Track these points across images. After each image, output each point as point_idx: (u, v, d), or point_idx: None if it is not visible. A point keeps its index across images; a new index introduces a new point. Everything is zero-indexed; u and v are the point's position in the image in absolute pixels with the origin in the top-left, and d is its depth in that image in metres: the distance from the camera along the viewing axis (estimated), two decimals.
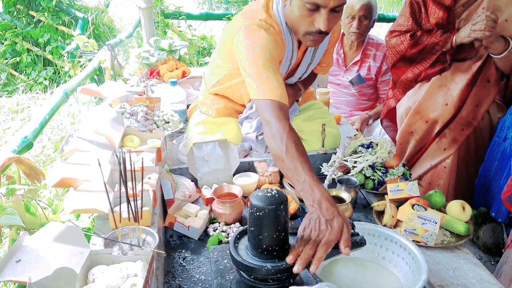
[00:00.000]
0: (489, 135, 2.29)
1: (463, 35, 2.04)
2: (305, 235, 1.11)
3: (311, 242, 1.09)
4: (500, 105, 2.22)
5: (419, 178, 2.38)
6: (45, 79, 5.67)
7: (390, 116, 2.60)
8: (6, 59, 5.86)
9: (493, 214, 2.34)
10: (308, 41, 1.62)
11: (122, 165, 1.09)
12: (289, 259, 1.07)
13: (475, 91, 2.16)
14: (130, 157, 1.21)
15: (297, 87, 1.98)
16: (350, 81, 2.93)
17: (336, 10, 1.52)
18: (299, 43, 1.78)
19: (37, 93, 5.38)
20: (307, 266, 1.07)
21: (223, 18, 5.11)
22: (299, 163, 1.29)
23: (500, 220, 2.32)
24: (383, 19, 5.29)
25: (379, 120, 3.01)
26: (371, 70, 2.92)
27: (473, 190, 2.42)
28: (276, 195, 1.10)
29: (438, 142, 2.29)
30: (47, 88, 5.46)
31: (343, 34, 2.94)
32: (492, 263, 2.38)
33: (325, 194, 1.19)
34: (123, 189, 1.10)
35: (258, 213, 1.08)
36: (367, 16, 2.78)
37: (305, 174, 1.25)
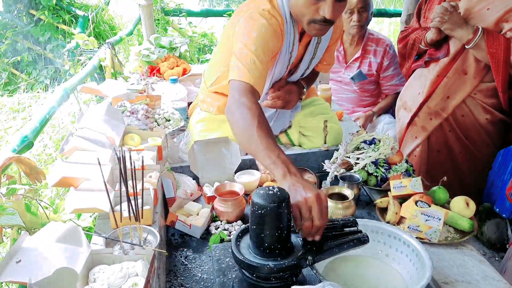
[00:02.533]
0: (481, 136, 2.25)
1: (430, 31, 2.11)
2: (300, 201, 1.11)
3: (315, 203, 1.09)
4: (485, 107, 2.17)
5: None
6: (46, 77, 5.67)
7: None
8: (7, 58, 5.86)
9: (497, 209, 2.33)
10: (313, 30, 1.61)
11: (122, 164, 1.08)
12: (309, 237, 1.11)
13: (446, 82, 2.16)
14: (131, 156, 1.20)
15: (300, 85, 1.97)
16: (352, 78, 2.91)
17: (341, 0, 1.52)
18: (301, 36, 1.77)
19: (38, 92, 5.37)
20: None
21: (224, 15, 5.08)
22: (272, 139, 1.31)
23: (504, 215, 2.31)
24: (385, 13, 5.24)
25: (382, 116, 3.00)
26: (372, 66, 2.90)
27: (467, 189, 2.38)
28: (278, 193, 1.08)
29: (410, 130, 2.35)
30: (48, 86, 5.45)
31: (343, 31, 2.92)
32: (497, 258, 2.37)
33: (297, 169, 1.23)
34: (123, 188, 1.09)
35: (260, 211, 1.07)
36: (366, 8, 2.78)
37: (278, 150, 1.26)
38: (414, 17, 2.40)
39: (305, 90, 2.00)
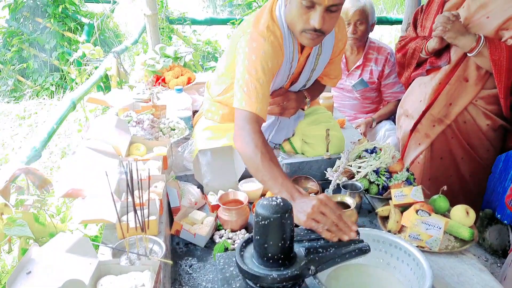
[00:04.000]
0: (483, 142, 2.26)
1: (431, 40, 2.12)
2: (310, 212, 1.21)
3: (322, 207, 1.21)
4: (486, 113, 2.18)
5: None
6: (52, 84, 5.73)
7: None
8: (13, 65, 5.93)
9: (498, 215, 2.34)
10: (305, 40, 1.65)
11: (129, 175, 1.11)
12: (334, 239, 1.18)
13: (448, 89, 2.18)
14: (137, 166, 1.23)
15: (302, 94, 1.99)
16: (353, 86, 2.94)
17: (331, 10, 1.54)
18: (302, 47, 1.80)
19: (44, 98, 5.43)
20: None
21: (228, 23, 5.13)
22: (275, 168, 1.43)
23: (505, 221, 2.32)
24: (386, 21, 5.28)
25: (382, 123, 3.02)
26: (373, 74, 2.93)
27: (468, 195, 2.39)
28: (281, 204, 1.11)
29: (414, 136, 2.35)
30: (53, 93, 5.51)
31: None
32: (499, 265, 2.38)
33: (300, 193, 1.34)
34: (130, 199, 1.12)
35: (263, 222, 1.09)
36: (363, 21, 2.80)
37: (281, 178, 1.39)
38: (410, 26, 2.42)
39: (307, 100, 2.01)
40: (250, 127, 1.55)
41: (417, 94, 2.33)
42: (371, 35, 3.00)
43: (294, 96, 1.95)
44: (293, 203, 1.25)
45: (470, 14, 2.06)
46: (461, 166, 2.30)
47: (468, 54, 2.04)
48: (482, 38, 1.98)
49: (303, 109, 2.09)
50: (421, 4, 2.43)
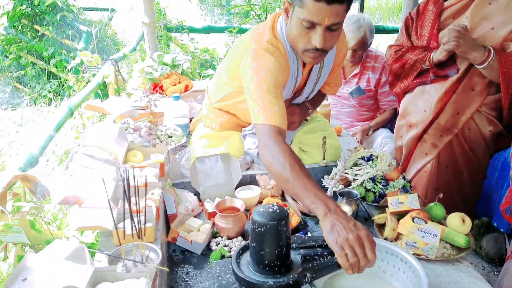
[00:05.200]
0: (481, 147, 2.28)
1: (438, 52, 2.11)
2: (342, 242, 1.12)
3: (355, 243, 1.12)
4: (489, 119, 2.21)
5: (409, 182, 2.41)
6: (49, 92, 5.73)
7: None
8: (11, 72, 5.94)
9: (495, 224, 2.35)
10: (307, 59, 1.65)
11: (126, 182, 1.11)
12: (349, 272, 1.12)
13: (455, 99, 2.18)
14: (134, 173, 1.23)
15: (305, 106, 2.00)
16: (350, 93, 2.96)
17: (332, 29, 1.53)
18: (304, 62, 1.80)
19: (41, 106, 5.43)
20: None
21: (225, 31, 5.16)
22: (306, 178, 1.34)
23: (502, 230, 2.32)
24: (383, 30, 5.32)
25: (379, 131, 3.04)
26: (370, 82, 2.95)
27: (471, 203, 2.41)
28: (278, 211, 1.11)
29: (420, 146, 2.34)
30: (51, 101, 5.51)
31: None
32: (495, 273, 2.38)
33: (336, 204, 1.26)
34: (126, 206, 1.12)
35: (259, 229, 1.09)
36: (362, 47, 2.85)
37: (315, 188, 1.30)
38: (402, 34, 2.40)
39: (310, 111, 2.03)
40: (273, 140, 1.51)
41: (420, 104, 2.31)
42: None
43: (298, 109, 1.96)
44: (329, 215, 1.19)
45: (474, 24, 2.08)
46: (463, 173, 2.32)
47: (477, 66, 2.05)
48: (492, 51, 2.00)
49: (306, 120, 2.11)
50: (409, 15, 2.42)
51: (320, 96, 2.12)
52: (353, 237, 1.12)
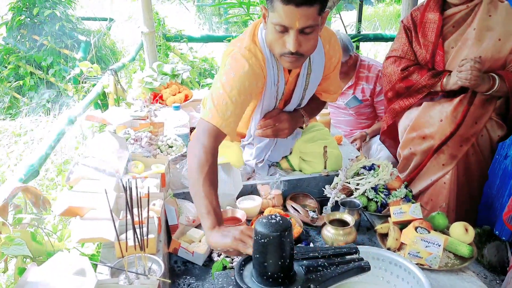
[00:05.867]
0: (489, 152, 2.31)
1: (452, 82, 2.13)
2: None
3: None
4: (499, 123, 2.24)
5: (419, 194, 2.39)
6: (48, 101, 5.73)
7: (386, 135, 2.63)
8: (10, 82, 5.94)
9: (496, 232, 2.35)
10: (285, 63, 1.65)
11: (128, 194, 1.10)
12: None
13: (473, 109, 2.18)
14: (136, 184, 1.23)
15: (299, 114, 1.97)
16: (346, 103, 2.96)
17: (305, 32, 1.54)
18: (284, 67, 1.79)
19: (40, 115, 5.43)
20: None
21: (224, 40, 5.18)
22: (213, 190, 1.45)
23: (504, 238, 2.32)
24: (381, 38, 5.36)
25: (376, 138, 3.04)
26: (366, 91, 2.95)
27: (477, 208, 2.42)
28: (281, 221, 1.11)
29: (436, 158, 2.30)
30: (49, 110, 5.51)
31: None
32: (498, 282, 2.37)
33: (212, 224, 1.35)
34: (128, 217, 1.12)
35: (262, 240, 1.09)
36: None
37: (215, 201, 1.42)
38: (402, 44, 2.35)
39: (305, 119, 2.00)
40: (206, 140, 1.54)
41: (434, 114, 2.27)
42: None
43: (286, 116, 1.91)
44: (217, 228, 1.33)
45: (482, 36, 2.09)
46: (474, 181, 2.32)
47: (484, 93, 2.10)
48: (497, 79, 2.04)
49: (302, 128, 2.09)
50: (404, 24, 2.41)
51: (319, 104, 2.10)
52: (238, 232, 1.27)
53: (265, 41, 1.69)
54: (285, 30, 1.53)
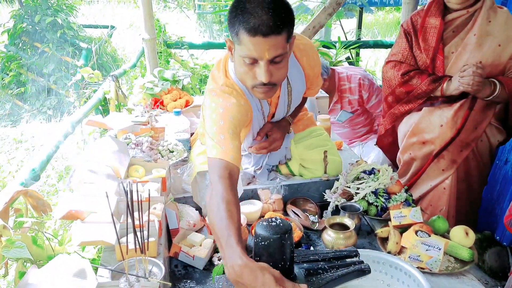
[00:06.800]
0: (489, 157, 2.31)
1: (452, 87, 2.13)
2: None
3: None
4: (499, 128, 2.24)
5: (419, 199, 2.39)
6: (49, 108, 5.75)
7: (383, 141, 2.63)
8: (11, 89, 5.97)
9: (497, 237, 2.34)
10: (258, 94, 1.59)
11: (129, 198, 1.11)
12: None
13: (473, 114, 2.19)
14: (137, 188, 1.23)
15: (286, 121, 1.98)
16: (337, 119, 2.96)
17: (276, 61, 1.47)
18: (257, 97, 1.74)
19: (41, 122, 5.44)
20: None
21: (224, 47, 5.21)
22: (234, 227, 1.25)
23: (505, 243, 2.31)
24: (381, 45, 5.39)
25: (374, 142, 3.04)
26: (353, 103, 2.93)
27: (477, 213, 2.42)
28: (281, 224, 1.11)
29: (436, 163, 2.30)
30: (51, 117, 5.53)
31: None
32: (499, 287, 2.36)
33: (238, 261, 1.14)
34: (129, 220, 1.12)
35: (263, 243, 1.09)
36: None
37: (236, 238, 1.21)
38: (402, 48, 2.34)
39: (290, 120, 2.00)
40: (218, 178, 1.42)
41: (434, 119, 2.27)
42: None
43: (278, 134, 1.93)
44: (231, 264, 1.13)
45: (482, 42, 2.10)
46: (473, 186, 2.32)
47: (485, 99, 2.11)
48: (498, 84, 2.05)
49: (288, 132, 2.08)
50: (404, 28, 2.42)
51: (300, 103, 2.06)
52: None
53: (235, 74, 1.64)
54: (254, 61, 1.47)
